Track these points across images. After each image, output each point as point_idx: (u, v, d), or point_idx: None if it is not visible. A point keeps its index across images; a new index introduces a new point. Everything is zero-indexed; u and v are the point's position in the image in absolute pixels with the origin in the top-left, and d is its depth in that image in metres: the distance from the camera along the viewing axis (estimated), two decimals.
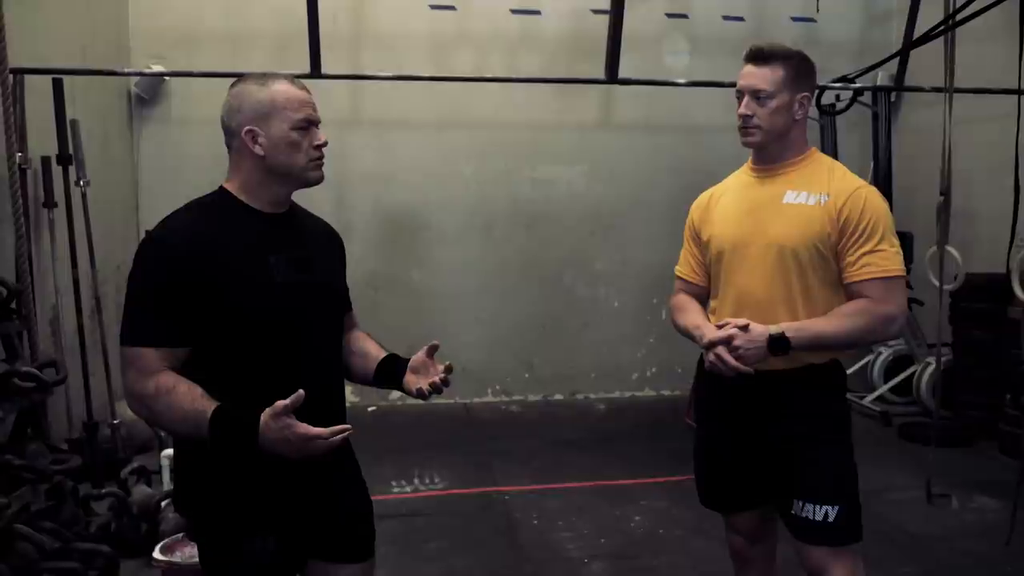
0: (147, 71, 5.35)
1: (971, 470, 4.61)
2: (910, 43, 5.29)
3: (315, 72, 4.56)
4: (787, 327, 1.98)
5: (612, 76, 4.85)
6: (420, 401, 5.93)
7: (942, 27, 4.16)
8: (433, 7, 5.90)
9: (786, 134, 2.12)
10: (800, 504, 2.06)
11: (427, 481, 4.51)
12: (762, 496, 2.22)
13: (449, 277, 6.32)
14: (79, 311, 4.47)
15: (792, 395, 2.08)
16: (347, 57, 5.93)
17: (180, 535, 3.12)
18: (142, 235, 5.42)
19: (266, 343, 1.69)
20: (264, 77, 1.73)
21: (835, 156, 6.07)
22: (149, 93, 5.80)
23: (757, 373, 2.03)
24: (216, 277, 1.63)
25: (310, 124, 1.73)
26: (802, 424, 2.08)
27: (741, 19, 6.49)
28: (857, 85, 5.74)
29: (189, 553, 2.97)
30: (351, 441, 1.83)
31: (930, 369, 5.44)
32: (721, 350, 1.98)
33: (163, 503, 3.58)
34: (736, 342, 1.97)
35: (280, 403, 1.55)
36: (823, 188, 2.07)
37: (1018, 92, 3.65)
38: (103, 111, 5.35)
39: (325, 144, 1.76)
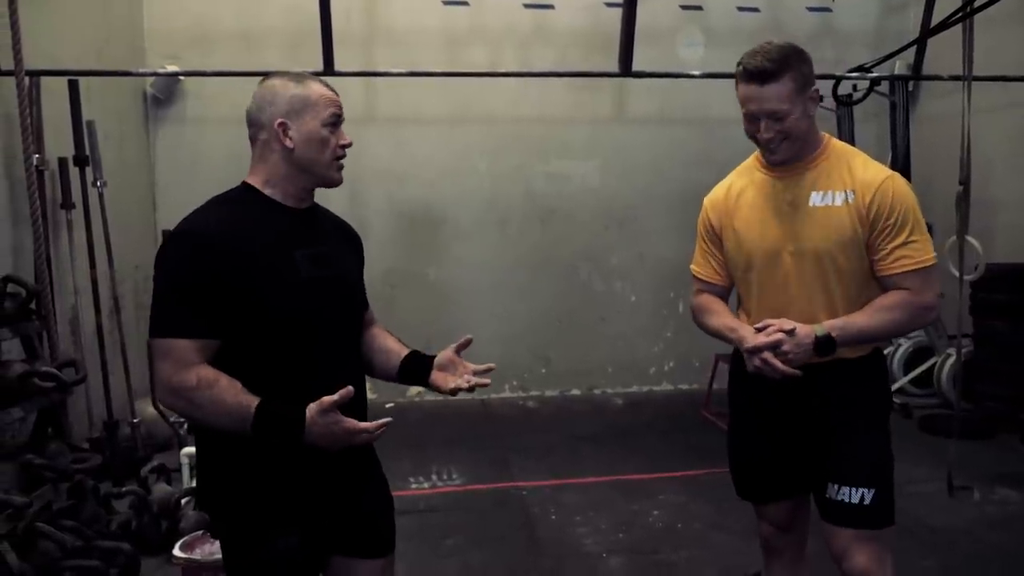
0: (162, 71, 5.38)
1: (992, 462, 4.56)
2: (928, 31, 5.22)
3: (328, 69, 4.57)
4: (831, 326, 1.97)
5: (626, 69, 4.82)
6: (438, 397, 5.93)
7: (960, 14, 4.11)
8: (446, 3, 5.90)
9: (806, 136, 2.05)
10: (836, 488, 2.06)
11: (445, 477, 4.51)
12: (797, 485, 2.22)
13: (465, 273, 6.32)
14: (98, 311, 4.51)
15: (832, 385, 2.08)
16: (360, 54, 5.94)
17: (200, 532, 3.13)
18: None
19: (289, 337, 1.70)
20: (298, 75, 1.77)
21: (852, 145, 6.03)
22: (164, 93, 5.84)
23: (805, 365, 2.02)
24: (245, 270, 1.64)
25: (338, 120, 1.78)
26: (840, 412, 2.08)
27: (757, 10, 6.44)
28: (874, 75, 5.67)
29: (209, 550, 2.98)
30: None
31: (950, 361, 5.38)
32: (768, 355, 1.95)
33: (183, 501, 3.60)
34: (784, 347, 1.94)
35: (328, 399, 1.59)
36: (846, 184, 2.02)
37: None
38: (119, 112, 5.39)
39: (350, 144, 1.79)
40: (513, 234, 6.38)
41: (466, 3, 6.01)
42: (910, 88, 6.17)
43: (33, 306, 3.74)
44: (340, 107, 1.79)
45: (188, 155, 5.98)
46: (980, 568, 3.30)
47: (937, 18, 5.05)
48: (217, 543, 2.97)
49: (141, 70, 5.53)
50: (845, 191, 2.01)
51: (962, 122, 3.91)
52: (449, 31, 6.11)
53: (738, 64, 2.03)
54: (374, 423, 1.65)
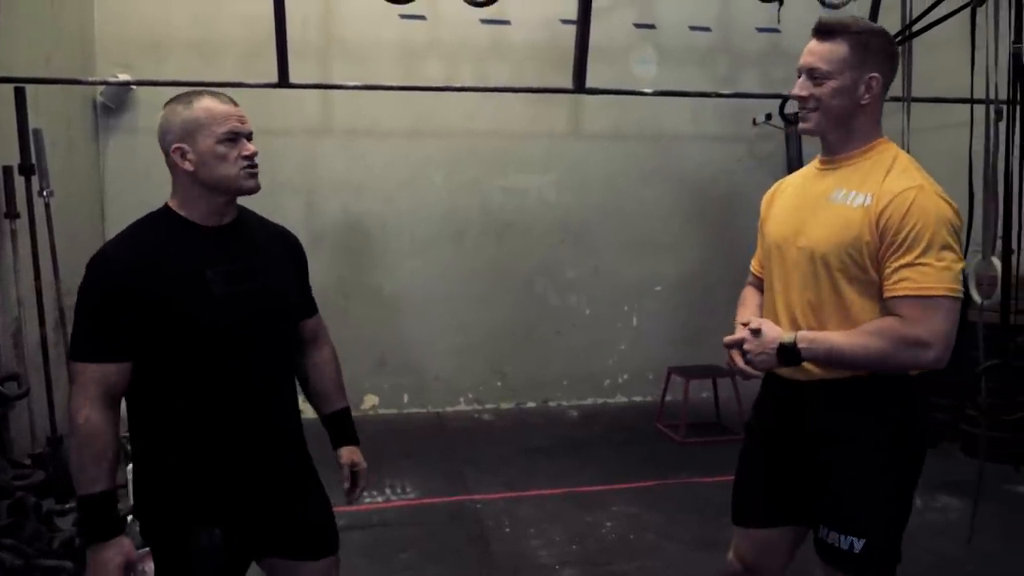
0: (113, 80, 5.28)
1: (935, 471, 4.58)
2: None
3: (283, 81, 4.54)
4: (801, 336, 1.81)
5: (580, 86, 4.89)
6: (392, 410, 5.92)
7: (899, 38, 4.26)
8: (403, 16, 5.90)
9: (848, 121, 1.89)
10: (826, 531, 1.92)
11: (399, 491, 4.49)
12: (788, 516, 2.07)
13: (420, 285, 6.32)
14: (42, 323, 4.39)
15: (830, 411, 1.92)
16: (317, 65, 5.93)
17: (146, 550, 3.08)
18: None
19: (211, 353, 1.78)
20: (189, 96, 1.82)
21: (800, 164, 6.19)
22: (115, 102, 5.74)
23: (798, 382, 1.93)
24: (158, 292, 1.72)
25: (237, 136, 1.80)
26: (835, 446, 1.91)
27: (708, 29, 6.58)
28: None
29: (154, 568, 2.93)
30: (306, 442, 2.02)
31: None
32: (733, 352, 1.89)
33: (129, 518, 3.53)
34: (746, 346, 1.86)
35: (131, 558, 1.73)
36: (872, 188, 1.83)
37: (971, 101, 3.74)
38: (67, 120, 5.28)
39: (255, 154, 1.83)
40: (469, 247, 6.40)
41: (423, 17, 6.03)
42: None
43: None
44: (239, 119, 1.82)
45: (139, 165, 5.87)
46: (922, 574, 3.37)
47: None
48: None
49: (91, 78, 5.43)
50: (866, 194, 1.83)
51: (903, 141, 4.04)
52: (406, 44, 6.13)
53: None
54: None
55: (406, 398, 6.35)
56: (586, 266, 6.56)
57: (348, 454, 2.10)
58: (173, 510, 1.81)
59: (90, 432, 1.67)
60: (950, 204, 1.83)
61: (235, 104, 1.84)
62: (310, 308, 2.11)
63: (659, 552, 3.66)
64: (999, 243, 3.68)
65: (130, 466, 4.00)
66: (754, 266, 2.27)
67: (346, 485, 2.10)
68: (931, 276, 1.75)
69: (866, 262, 1.82)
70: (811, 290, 1.91)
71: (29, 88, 4.40)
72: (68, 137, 5.26)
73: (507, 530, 3.93)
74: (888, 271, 1.79)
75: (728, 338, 1.92)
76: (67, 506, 3.59)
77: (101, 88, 5.60)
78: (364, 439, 2.14)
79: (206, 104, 1.79)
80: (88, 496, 1.68)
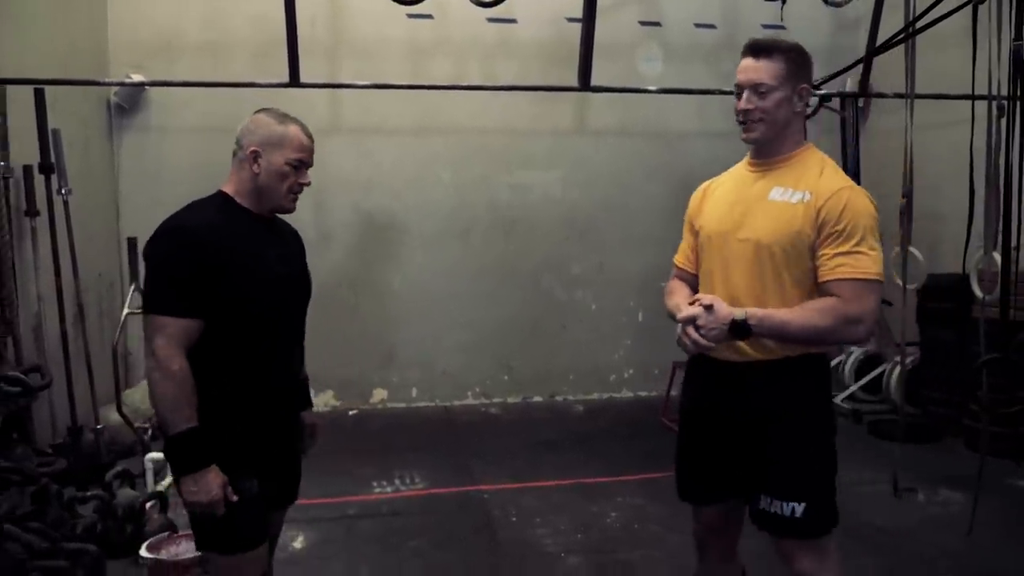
0: (127, 81, 5.38)
1: (937, 465, 4.75)
2: (872, 50, 5.43)
3: (294, 81, 4.62)
4: (752, 313, 1.99)
5: (585, 84, 4.95)
6: (401, 404, 6.02)
7: (902, 34, 4.30)
8: (411, 16, 5.98)
9: (784, 128, 2.11)
10: (768, 500, 2.10)
11: (407, 481, 4.58)
12: (731, 490, 2.26)
13: (428, 281, 6.40)
14: (62, 318, 4.51)
15: (767, 389, 2.11)
16: (325, 64, 6.01)
17: (165, 534, 3.18)
18: (123, 243, 5.50)
19: (259, 323, 2.05)
20: (284, 116, 2.10)
21: None
22: (128, 102, 5.85)
23: (734, 364, 2.10)
24: (227, 263, 1.96)
25: (302, 165, 2.09)
26: (775, 421, 2.11)
27: (713, 27, 6.63)
28: (823, 91, 5.88)
29: (175, 551, 3.04)
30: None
31: (899, 368, 5.58)
32: (688, 328, 2.01)
33: (148, 505, 3.63)
34: (699, 321, 1.99)
35: (230, 490, 1.97)
36: (809, 186, 2.07)
37: (972, 97, 3.77)
38: (83, 120, 5.39)
39: (308, 184, 2.12)
40: (476, 244, 6.48)
41: (430, 16, 6.10)
42: (860, 104, 6.39)
43: None
44: (310, 154, 2.10)
45: (152, 164, 5.98)
46: (923, 567, 3.44)
47: (883, 37, 5.27)
48: (182, 544, 3.05)
49: (107, 79, 5.54)
50: (804, 192, 2.06)
51: (905, 138, 4.09)
52: (414, 43, 6.21)
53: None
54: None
55: (414, 392, 6.44)
56: (592, 262, 6.63)
57: (311, 416, 2.41)
58: (219, 458, 1.99)
59: (184, 376, 1.91)
60: (872, 202, 2.10)
61: (313, 140, 2.11)
62: None
63: (662, 542, 3.72)
64: (1000, 239, 3.72)
65: (148, 455, 4.12)
66: (680, 260, 2.41)
67: (307, 443, 2.39)
68: (865, 262, 2.00)
69: (805, 251, 2.05)
70: (753, 277, 2.10)
71: (47, 90, 4.50)
72: (84, 137, 5.37)
73: (513, 519, 4.01)
74: (825, 258, 2.03)
75: (682, 314, 2.05)
76: (88, 494, 3.70)
77: (115, 89, 5.70)
78: (374, 432, 2.36)
79: (294, 131, 2.07)
80: (188, 430, 1.91)
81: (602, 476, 4.64)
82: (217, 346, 1.99)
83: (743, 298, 2.09)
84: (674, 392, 5.95)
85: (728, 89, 6.16)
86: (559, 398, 6.62)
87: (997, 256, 3.78)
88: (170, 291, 1.93)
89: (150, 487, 4.12)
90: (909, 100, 4.13)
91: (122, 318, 4.72)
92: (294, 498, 2.32)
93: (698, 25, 6.59)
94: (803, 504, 2.07)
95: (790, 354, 2.09)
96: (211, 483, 1.94)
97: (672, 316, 2.24)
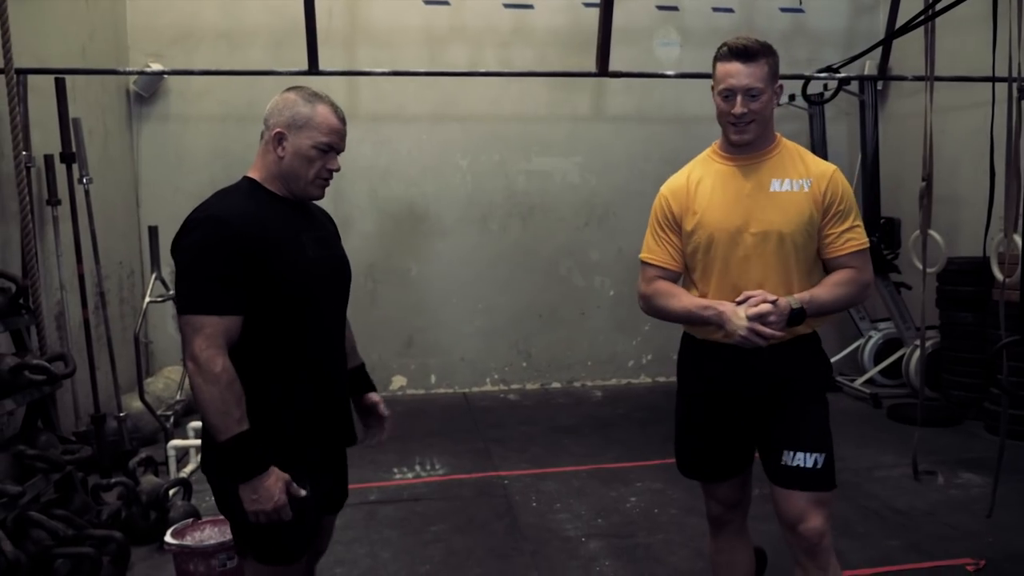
0: (147, 70, 5.42)
1: (957, 448, 4.74)
2: (892, 33, 5.38)
3: (313, 69, 4.63)
4: (800, 299, 2.14)
5: (603, 69, 4.93)
6: (420, 390, 6.03)
7: (922, 17, 4.25)
8: (428, 2, 5.98)
9: (768, 125, 2.24)
10: (791, 454, 2.21)
11: (428, 467, 4.61)
12: (743, 463, 2.40)
13: (447, 268, 6.42)
14: (84, 306, 4.55)
15: (776, 364, 2.23)
16: (342, 53, 6.02)
17: (190, 520, 3.22)
18: (144, 231, 5.55)
19: (301, 312, 1.91)
20: (312, 95, 1.94)
21: (824, 144, 6.18)
22: (147, 91, 5.89)
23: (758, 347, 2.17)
24: (263, 252, 1.83)
25: (331, 149, 1.94)
26: (790, 387, 2.25)
27: (731, 11, 6.58)
28: (842, 75, 5.83)
29: (199, 537, 3.07)
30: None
31: (918, 352, 5.55)
32: (757, 325, 2.08)
33: (171, 492, 3.68)
34: (772, 317, 2.08)
35: (295, 486, 1.82)
36: (802, 173, 2.23)
37: (992, 80, 3.73)
38: (102, 109, 5.43)
39: (337, 169, 1.97)
40: (494, 230, 6.49)
41: (447, 3, 6.10)
42: (879, 87, 6.33)
43: (22, 301, 3.79)
44: (340, 137, 1.95)
45: (171, 152, 6.03)
46: (943, 548, 3.44)
47: (903, 20, 5.22)
48: (207, 530, 3.09)
49: (127, 68, 5.58)
50: (803, 180, 2.22)
51: (925, 121, 4.05)
52: (430, 30, 6.21)
53: (720, 47, 2.20)
54: (286, 511, 1.83)
55: (433, 379, 6.48)
56: (610, 248, 6.62)
57: (375, 396, 2.26)
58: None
59: (230, 378, 1.76)
60: None
61: (344, 123, 1.97)
62: None
63: (682, 525, 3.74)
64: (1020, 222, 3.69)
65: (171, 443, 4.17)
66: (663, 260, 2.36)
67: (383, 412, 2.24)
68: (862, 233, 2.26)
69: (814, 234, 2.23)
70: (778, 266, 2.20)
71: (67, 79, 4.54)
72: (104, 125, 5.41)
73: (534, 504, 4.03)
74: (833, 236, 2.23)
75: (752, 310, 2.10)
76: (111, 481, 3.76)
77: (135, 77, 5.74)
78: (393, 418, 2.28)
79: (323, 111, 1.91)
80: (240, 434, 1.76)
81: (621, 461, 4.66)
82: (261, 341, 1.85)
83: (770, 288, 2.18)
84: None
85: None
86: (577, 384, 6.64)
87: (1018, 238, 3.75)
88: (206, 288, 1.78)
89: (173, 474, 4.18)
90: (929, 83, 4.09)
91: (144, 306, 4.77)
92: (343, 501, 2.18)
93: (716, 9, 6.55)
94: (823, 455, 2.21)
95: (803, 331, 2.25)
96: (272, 488, 1.78)
97: (687, 317, 2.28)
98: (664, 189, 2.38)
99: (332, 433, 2.03)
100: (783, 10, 6.59)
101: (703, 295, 2.29)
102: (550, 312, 6.59)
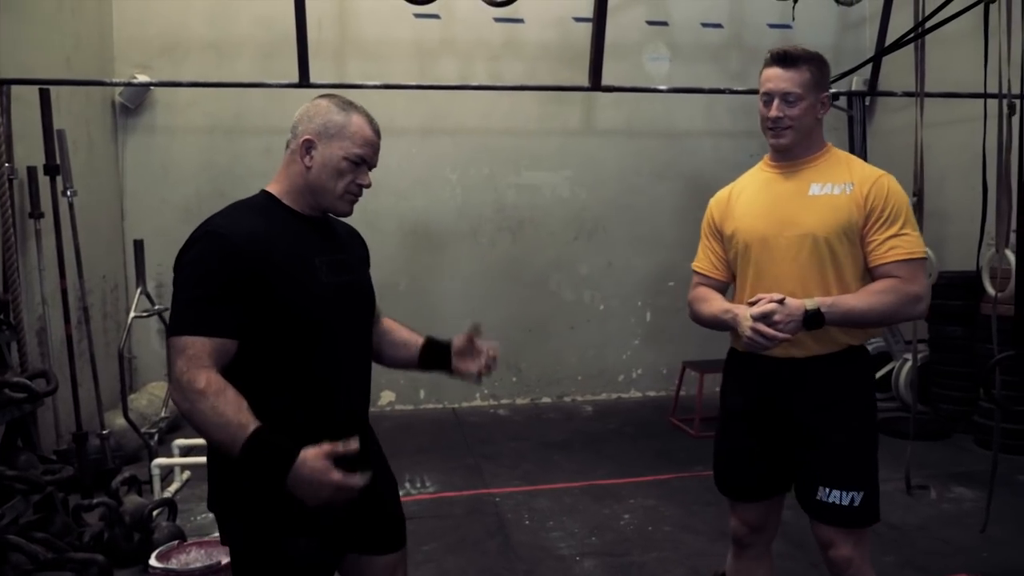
0: (134, 81, 5.35)
1: (948, 462, 4.74)
2: (882, 50, 5.42)
3: (304, 81, 4.60)
4: (821, 302, 2.05)
5: (596, 83, 4.93)
6: (408, 406, 5.95)
7: (912, 34, 4.28)
8: (417, 16, 5.96)
9: (810, 133, 2.22)
10: (826, 491, 2.15)
11: (418, 484, 4.55)
12: (775, 486, 2.33)
13: (435, 282, 6.38)
14: (67, 321, 4.47)
15: (819, 382, 2.16)
16: (332, 65, 5.99)
17: (175, 543, 3.15)
18: (129, 244, 5.48)
19: (309, 341, 1.74)
20: (347, 103, 1.82)
21: None
22: (134, 102, 5.82)
23: (795, 360, 2.14)
24: (268, 274, 1.68)
25: (363, 163, 1.81)
26: (828, 411, 2.16)
27: (720, 26, 6.61)
28: (832, 90, 5.84)
29: (185, 560, 2.99)
30: (376, 434, 1.99)
31: (908, 365, 5.56)
32: (760, 325, 2.04)
33: (155, 512, 3.60)
34: (776, 317, 2.03)
35: (329, 446, 1.58)
36: (846, 178, 2.17)
37: (984, 96, 3.75)
38: (87, 120, 5.36)
39: (368, 185, 1.84)
40: (484, 244, 6.45)
41: (437, 16, 6.08)
42: (867, 103, 6.37)
43: (2, 316, 3.71)
44: (374, 150, 1.83)
45: (157, 164, 5.96)
46: (937, 562, 3.42)
47: (892, 36, 5.26)
48: (192, 552, 3.01)
49: (113, 79, 5.51)
50: (844, 184, 2.16)
51: (915, 136, 4.07)
52: (420, 43, 6.19)
53: (767, 54, 2.23)
54: (360, 476, 1.60)
55: (422, 394, 6.41)
56: (600, 262, 6.61)
57: (459, 339, 2.08)
58: (262, 512, 1.71)
59: (217, 388, 1.58)
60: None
61: (379, 136, 1.84)
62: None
63: (677, 543, 3.70)
64: (1012, 237, 3.70)
65: (156, 461, 4.08)
66: (706, 268, 2.41)
67: (492, 353, 2.10)
68: (913, 242, 2.12)
69: (856, 239, 2.15)
70: (813, 270, 2.15)
71: (51, 90, 4.47)
72: (88, 137, 5.34)
73: (526, 523, 3.98)
74: (876, 243, 2.12)
75: (756, 310, 2.06)
76: (94, 501, 3.67)
77: (120, 89, 5.68)
78: (382, 434, 2.10)
79: (358, 120, 1.79)
80: (251, 436, 1.55)
81: (613, 478, 4.62)
82: (261, 371, 1.70)
83: (807, 292, 2.13)
84: (683, 392, 5.94)
85: (736, 88, 6.17)
86: (567, 399, 6.60)
87: (1010, 253, 3.76)
88: (195, 308, 1.64)
89: (157, 494, 4.09)
90: (919, 99, 4.10)
91: (128, 321, 4.68)
92: (399, 541, 1.97)
93: (705, 24, 6.57)
94: (862, 493, 2.13)
95: (852, 343, 2.17)
96: (316, 471, 1.55)
97: (714, 322, 2.27)
98: (711, 200, 2.45)
99: (346, 468, 1.76)
100: (771, 26, 6.63)
101: (741, 302, 2.27)
102: (540, 326, 6.55)
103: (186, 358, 1.61)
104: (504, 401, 6.51)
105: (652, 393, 6.69)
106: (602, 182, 6.56)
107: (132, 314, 4.66)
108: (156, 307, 4.86)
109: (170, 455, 4.49)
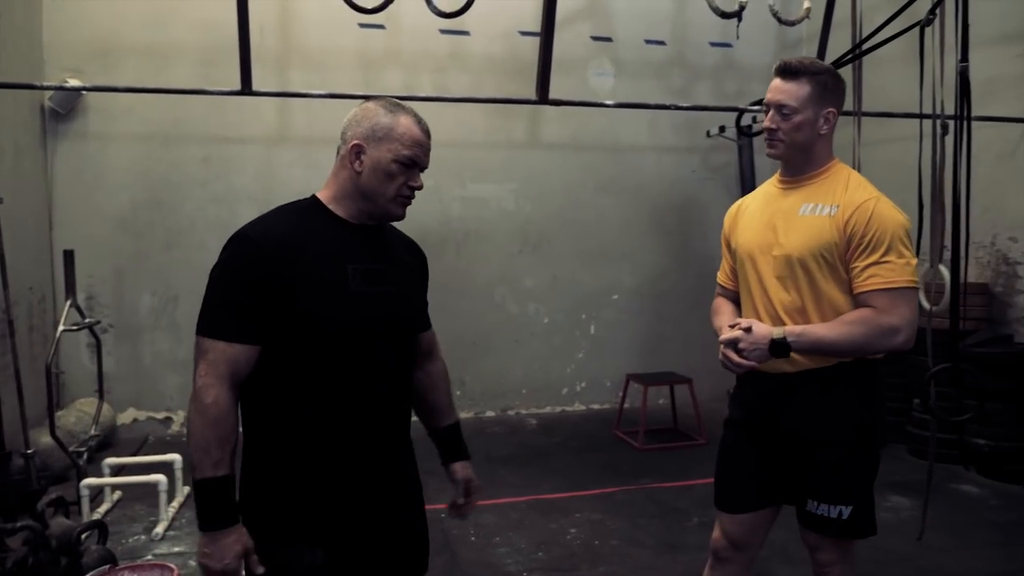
0: (64, 85, 5.15)
1: (884, 472, 4.71)
2: None
3: (246, 89, 4.48)
4: (788, 331, 2.04)
5: (543, 96, 4.93)
6: None
7: (850, 55, 4.40)
8: (362, 25, 5.89)
9: (809, 148, 2.17)
10: (815, 504, 2.17)
11: None
12: (771, 498, 2.30)
13: None
14: None
15: (808, 397, 2.15)
16: (274, 73, 5.87)
17: (106, 567, 3.01)
18: (58, 254, 5.25)
19: (335, 351, 1.70)
20: (395, 105, 1.79)
21: (752, 175, 6.34)
22: (64, 107, 5.60)
23: (788, 374, 2.14)
24: (295, 279, 1.66)
25: (414, 164, 1.77)
26: (818, 426, 2.15)
27: (663, 43, 6.71)
28: (764, 108, 5.98)
29: None
30: (415, 458, 1.95)
31: None
32: (727, 350, 2.06)
33: (84, 535, 3.43)
34: (740, 344, 2.05)
35: (255, 559, 1.64)
36: (836, 199, 2.13)
37: (919, 116, 3.88)
38: (14, 125, 5.14)
39: (420, 187, 1.80)
40: (429, 256, 6.33)
41: (382, 26, 6.03)
42: None
43: None
44: (425, 151, 1.79)
45: (90, 172, 5.75)
46: (876, 571, 3.48)
47: (831, 57, 5.41)
48: None
49: (42, 83, 5.28)
50: (832, 205, 2.12)
51: (853, 153, 4.17)
52: (365, 53, 6.12)
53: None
54: None
55: None
56: (545, 275, 6.61)
57: (463, 469, 2.06)
58: (276, 521, 1.71)
59: (219, 413, 1.61)
60: (901, 212, 2.13)
61: (429, 136, 1.80)
62: (427, 321, 2.06)
63: (624, 557, 3.69)
64: (945, 252, 3.82)
65: (84, 481, 3.89)
66: (721, 278, 2.47)
67: (460, 501, 2.06)
68: (895, 271, 2.04)
69: (836, 262, 2.10)
70: (791, 291, 2.15)
71: None
72: (15, 143, 5.12)
73: (472, 539, 3.92)
74: (857, 270, 2.07)
75: (723, 336, 2.09)
76: (17, 524, 3.48)
77: (50, 93, 5.46)
78: None
79: (406, 121, 1.76)
80: (213, 479, 1.60)
81: (559, 492, 4.60)
82: (283, 378, 1.68)
83: (784, 313, 2.15)
84: (627, 404, 5.97)
85: (680, 104, 6.23)
86: (512, 412, 6.57)
87: (944, 269, 3.87)
88: (219, 311, 1.65)
89: (86, 516, 3.91)
90: (857, 118, 4.22)
91: (57, 335, 4.48)
92: (419, 568, 1.93)
93: (648, 41, 6.67)
94: (850, 507, 2.14)
95: (843, 359, 2.13)
96: (226, 549, 1.60)
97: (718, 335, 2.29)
98: (727, 211, 2.46)
99: (376, 498, 1.77)
100: (713, 44, 6.76)
101: (744, 316, 2.30)
102: (484, 339, 6.51)
103: (206, 362, 1.63)
104: None
105: (596, 406, 6.71)
106: (547, 195, 6.58)
107: (61, 327, 4.45)
108: (86, 320, 4.67)
109: (100, 475, 4.30)
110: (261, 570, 1.65)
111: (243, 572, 1.65)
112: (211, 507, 1.62)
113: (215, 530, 1.61)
